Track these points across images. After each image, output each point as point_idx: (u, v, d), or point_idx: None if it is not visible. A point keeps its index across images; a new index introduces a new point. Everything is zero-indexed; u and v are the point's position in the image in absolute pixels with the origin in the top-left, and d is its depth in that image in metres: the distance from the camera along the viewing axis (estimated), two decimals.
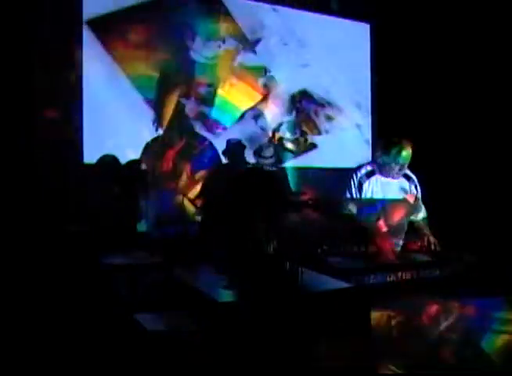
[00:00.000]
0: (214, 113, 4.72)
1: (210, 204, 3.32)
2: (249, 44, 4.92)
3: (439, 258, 2.66)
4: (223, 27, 4.79)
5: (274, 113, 5.13)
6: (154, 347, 1.74)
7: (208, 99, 4.72)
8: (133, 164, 3.60)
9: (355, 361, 1.71)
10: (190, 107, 4.65)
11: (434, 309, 2.11)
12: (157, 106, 4.50)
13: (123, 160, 3.55)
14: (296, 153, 5.20)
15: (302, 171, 5.08)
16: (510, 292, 2.17)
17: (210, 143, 4.58)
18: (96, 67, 4.30)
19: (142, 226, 3.38)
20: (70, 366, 1.90)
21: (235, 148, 4.28)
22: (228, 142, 4.31)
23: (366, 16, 5.52)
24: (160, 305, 2.03)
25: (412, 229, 3.06)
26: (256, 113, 4.99)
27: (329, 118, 5.39)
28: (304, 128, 5.30)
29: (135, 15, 4.43)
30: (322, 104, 5.34)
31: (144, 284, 2.27)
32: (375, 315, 1.98)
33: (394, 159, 2.99)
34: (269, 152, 4.54)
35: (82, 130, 4.24)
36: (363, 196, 3.07)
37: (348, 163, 4.77)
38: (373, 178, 3.08)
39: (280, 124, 5.13)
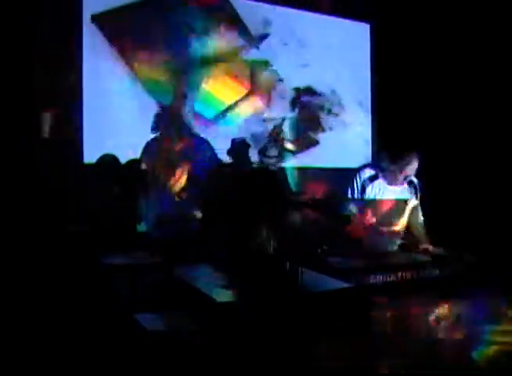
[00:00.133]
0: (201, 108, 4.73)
1: (212, 204, 3.31)
2: (253, 40, 4.93)
3: (439, 258, 2.66)
4: (225, 23, 4.80)
5: (276, 108, 5.13)
6: (154, 347, 1.74)
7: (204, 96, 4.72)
8: (133, 163, 3.60)
9: (355, 361, 1.71)
10: (189, 107, 4.65)
11: (433, 308, 2.11)
12: (157, 105, 4.50)
13: (123, 160, 3.55)
14: (295, 152, 5.20)
15: (302, 171, 5.07)
16: (510, 292, 2.17)
17: (208, 143, 4.57)
18: (96, 67, 4.30)
19: (142, 226, 3.38)
20: (70, 366, 1.90)
21: (239, 147, 4.27)
22: (233, 141, 4.31)
23: (366, 16, 5.52)
24: (160, 305, 2.03)
25: (410, 230, 3.08)
26: (256, 109, 4.99)
27: (329, 117, 5.40)
28: (307, 125, 5.30)
29: (135, 13, 4.42)
30: (322, 104, 5.35)
31: (144, 284, 2.27)
32: (375, 315, 1.98)
33: (401, 170, 2.99)
34: (274, 152, 4.53)
35: (82, 130, 4.24)
36: (365, 198, 3.07)
37: (348, 163, 4.77)
38: (376, 183, 3.08)
39: (283, 120, 5.13)
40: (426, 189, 3.28)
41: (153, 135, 4.29)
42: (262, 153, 4.54)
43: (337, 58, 5.31)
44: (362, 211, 2.91)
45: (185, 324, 1.87)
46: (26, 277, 2.62)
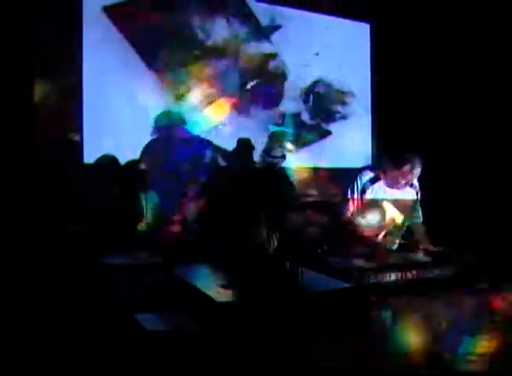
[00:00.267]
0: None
1: (212, 204, 3.32)
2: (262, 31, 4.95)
3: (439, 258, 2.66)
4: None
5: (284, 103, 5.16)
6: (154, 347, 1.74)
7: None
8: (132, 164, 3.60)
9: (355, 361, 1.71)
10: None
11: (433, 308, 2.11)
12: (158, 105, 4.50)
13: (123, 161, 3.55)
14: (309, 143, 5.21)
15: (302, 171, 5.07)
16: (510, 292, 2.17)
17: (209, 143, 4.57)
18: (96, 67, 4.30)
19: (142, 226, 3.38)
20: (70, 366, 1.90)
21: (244, 147, 4.27)
22: (239, 141, 4.31)
23: (366, 16, 5.52)
24: (160, 305, 2.03)
25: (409, 231, 3.08)
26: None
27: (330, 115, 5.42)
28: (319, 116, 5.33)
29: (139, 9, 4.44)
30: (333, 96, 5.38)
31: (144, 284, 2.27)
32: (375, 315, 1.98)
33: (404, 175, 2.97)
34: (279, 152, 4.52)
35: (82, 130, 4.24)
36: (365, 200, 3.07)
37: (348, 163, 4.78)
38: (377, 185, 3.07)
39: (283, 116, 5.13)
40: (426, 189, 3.28)
41: (153, 136, 4.29)
42: (267, 152, 4.53)
43: (337, 58, 5.31)
44: (362, 212, 2.92)
45: (185, 324, 1.87)
46: (26, 277, 2.62)
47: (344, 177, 3.37)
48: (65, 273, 2.47)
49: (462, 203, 4.40)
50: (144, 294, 2.18)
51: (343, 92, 5.43)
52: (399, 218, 2.98)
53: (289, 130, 5.21)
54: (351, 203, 3.04)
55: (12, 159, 3.74)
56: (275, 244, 2.62)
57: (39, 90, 4.05)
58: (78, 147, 4.20)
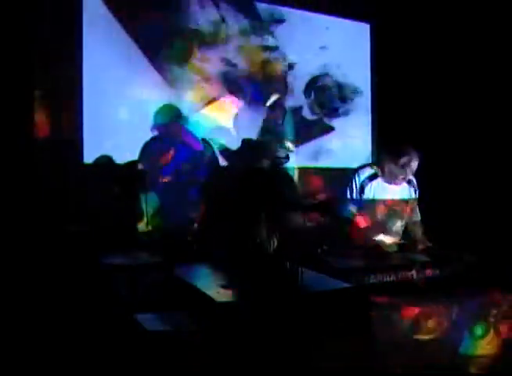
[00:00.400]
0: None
1: (212, 204, 3.31)
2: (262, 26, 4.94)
3: (439, 258, 2.66)
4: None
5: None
6: (154, 347, 1.74)
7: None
8: (131, 164, 3.61)
9: (355, 361, 1.71)
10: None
11: (433, 308, 2.11)
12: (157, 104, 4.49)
13: (123, 161, 3.55)
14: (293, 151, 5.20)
15: (302, 171, 5.07)
16: (510, 292, 2.17)
17: (208, 143, 4.57)
18: (96, 67, 4.30)
19: (142, 226, 3.38)
20: (70, 366, 1.90)
21: (248, 148, 4.27)
22: (243, 141, 4.32)
23: (366, 16, 5.52)
24: (160, 305, 2.03)
25: (408, 230, 3.09)
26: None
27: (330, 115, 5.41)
28: (321, 111, 5.31)
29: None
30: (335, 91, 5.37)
31: (144, 284, 2.27)
32: (375, 315, 1.98)
33: (401, 169, 2.99)
34: (284, 153, 4.52)
35: (82, 130, 4.23)
36: (364, 198, 3.07)
37: (348, 163, 4.77)
38: (375, 182, 3.08)
39: (284, 115, 5.12)
40: (426, 188, 3.28)
41: (152, 135, 4.29)
42: (270, 153, 4.52)
43: (337, 58, 5.31)
44: (361, 211, 2.92)
45: (185, 324, 1.87)
46: (26, 277, 2.62)
47: (344, 176, 3.36)
48: (65, 273, 2.47)
49: (462, 203, 4.40)
50: (144, 294, 2.18)
51: (344, 87, 5.43)
52: (399, 217, 2.99)
53: (291, 128, 5.20)
54: (350, 202, 3.05)
55: (12, 159, 3.74)
56: (275, 244, 2.62)
57: (39, 90, 4.05)
58: (78, 147, 4.19)
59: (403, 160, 2.97)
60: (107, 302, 2.20)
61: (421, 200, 3.22)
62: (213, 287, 2.01)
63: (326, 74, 5.30)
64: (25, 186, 3.73)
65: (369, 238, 2.90)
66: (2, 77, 3.77)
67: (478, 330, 1.97)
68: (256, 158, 4.29)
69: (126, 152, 3.86)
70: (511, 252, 2.70)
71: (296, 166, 5.05)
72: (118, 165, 3.50)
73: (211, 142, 4.53)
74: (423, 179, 3.24)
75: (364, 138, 5.58)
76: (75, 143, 4.19)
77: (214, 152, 4.44)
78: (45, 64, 4.05)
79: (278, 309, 1.84)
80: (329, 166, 5.18)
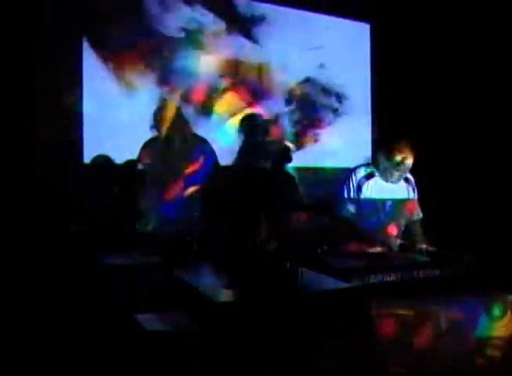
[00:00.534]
0: None
1: (213, 204, 3.32)
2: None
3: (439, 258, 2.66)
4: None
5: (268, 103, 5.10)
6: (154, 347, 1.74)
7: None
8: (130, 164, 3.61)
9: (355, 361, 1.71)
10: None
11: (433, 308, 2.11)
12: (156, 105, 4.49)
13: (123, 160, 3.56)
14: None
15: (301, 171, 5.07)
16: (510, 292, 2.16)
17: (208, 143, 4.56)
18: (97, 67, 4.30)
19: (142, 226, 3.38)
20: (70, 366, 1.90)
21: (250, 149, 4.28)
22: (245, 142, 4.33)
23: (366, 16, 5.52)
24: (160, 305, 2.03)
25: (407, 229, 3.09)
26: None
27: (329, 114, 5.39)
28: (305, 122, 5.25)
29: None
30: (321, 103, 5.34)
31: (144, 284, 2.27)
32: (375, 315, 1.98)
33: (396, 166, 2.99)
34: (285, 153, 4.52)
35: (82, 130, 4.23)
36: (361, 197, 3.07)
37: (348, 163, 4.77)
38: (372, 181, 3.08)
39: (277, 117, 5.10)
40: (426, 188, 3.28)
41: (152, 134, 4.29)
42: (271, 153, 4.52)
43: (336, 58, 5.31)
44: (359, 211, 2.92)
45: (185, 324, 1.87)
46: (26, 277, 2.62)
47: (343, 176, 3.36)
48: (65, 273, 2.47)
49: (462, 202, 4.40)
50: (144, 294, 2.18)
51: (335, 93, 5.39)
52: (398, 217, 2.99)
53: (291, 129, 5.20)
54: (348, 202, 3.05)
55: (12, 159, 3.74)
56: (275, 244, 2.62)
57: (39, 90, 4.05)
58: (78, 147, 4.19)
59: (397, 157, 2.97)
60: (107, 302, 2.20)
61: (421, 200, 3.22)
62: (213, 287, 2.01)
63: (312, 79, 5.27)
64: (25, 186, 3.73)
65: (368, 238, 2.90)
66: (3, 77, 3.77)
67: (496, 311, 1.96)
68: (257, 158, 4.29)
69: (126, 152, 3.86)
70: (511, 252, 2.70)
71: (296, 166, 5.05)
72: (113, 165, 3.50)
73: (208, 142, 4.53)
74: (423, 179, 3.24)
75: (364, 138, 5.58)
76: (75, 143, 4.20)
77: (213, 152, 4.43)
78: (45, 65, 4.05)
79: (278, 309, 1.84)
80: (330, 166, 5.18)
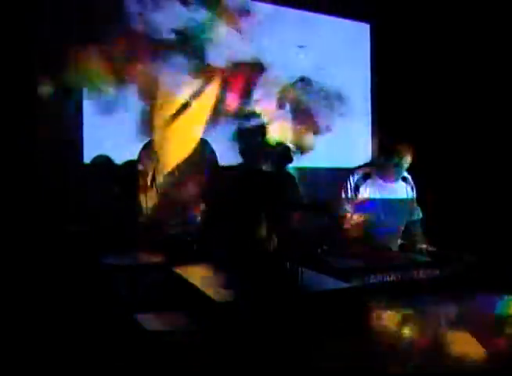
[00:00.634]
0: None
1: (213, 204, 3.32)
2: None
3: (439, 258, 2.66)
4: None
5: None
6: (154, 347, 1.74)
7: None
8: (131, 163, 3.61)
9: (355, 361, 1.71)
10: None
11: (433, 308, 2.11)
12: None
13: (123, 161, 3.55)
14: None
15: (301, 171, 5.07)
16: (510, 292, 2.17)
17: (208, 143, 4.56)
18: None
19: (142, 226, 3.38)
20: (70, 366, 1.90)
21: (251, 149, 4.28)
22: (246, 142, 4.33)
23: (366, 16, 5.52)
24: (160, 305, 2.03)
25: (407, 229, 3.09)
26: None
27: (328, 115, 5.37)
28: (299, 125, 5.23)
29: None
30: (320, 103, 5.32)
31: (144, 284, 2.27)
32: (375, 315, 1.98)
33: (394, 164, 2.99)
34: (286, 153, 4.51)
35: (82, 130, 4.23)
36: (359, 198, 3.07)
37: (348, 163, 4.77)
38: (370, 181, 3.08)
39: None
40: (426, 188, 3.28)
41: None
42: (272, 154, 4.52)
43: (336, 58, 5.31)
44: (358, 211, 2.92)
45: (185, 324, 1.87)
46: (26, 277, 2.62)
47: (343, 177, 3.36)
48: (65, 273, 2.47)
49: (462, 202, 4.40)
50: (144, 294, 2.18)
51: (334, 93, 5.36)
52: (398, 216, 2.99)
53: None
54: (347, 201, 3.05)
55: (13, 159, 3.74)
56: (275, 244, 2.62)
57: (39, 90, 4.05)
58: (78, 147, 4.19)
59: (394, 156, 2.98)
60: (107, 302, 2.20)
61: (421, 200, 3.22)
62: (213, 287, 2.01)
63: (307, 78, 5.26)
64: (25, 186, 3.73)
65: (368, 238, 2.90)
66: (3, 77, 3.77)
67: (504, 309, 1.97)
68: (257, 159, 4.29)
69: (126, 152, 3.86)
70: (511, 252, 2.70)
71: (297, 166, 5.05)
72: (113, 165, 3.50)
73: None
74: (423, 179, 3.24)
75: (363, 138, 5.58)
76: (75, 143, 4.20)
77: (213, 151, 4.43)
78: (45, 65, 4.05)
79: (278, 309, 1.84)
80: (329, 166, 5.18)
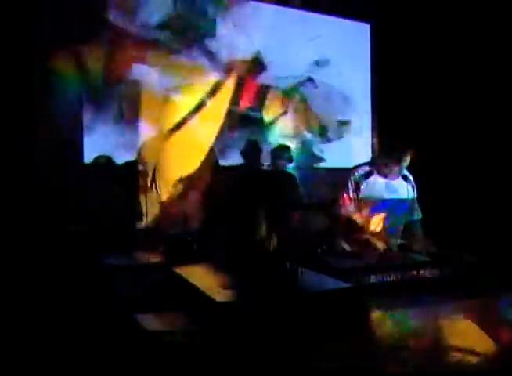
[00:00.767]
0: None
1: (213, 204, 3.32)
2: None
3: (439, 258, 2.66)
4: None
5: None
6: (154, 347, 1.74)
7: None
8: (130, 164, 3.61)
9: (355, 361, 1.71)
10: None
11: (433, 308, 2.11)
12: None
13: (123, 161, 3.56)
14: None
15: (301, 171, 5.07)
16: (510, 292, 2.17)
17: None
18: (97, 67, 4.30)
19: (142, 226, 3.38)
20: (70, 366, 1.90)
21: (252, 149, 4.30)
22: (247, 143, 4.35)
23: (366, 16, 5.53)
24: (160, 305, 2.03)
25: (406, 228, 3.09)
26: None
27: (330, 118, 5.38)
28: (302, 127, 5.25)
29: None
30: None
31: (144, 284, 2.27)
32: (375, 315, 1.98)
33: (394, 161, 2.99)
34: (288, 153, 4.53)
35: (82, 130, 4.24)
36: (360, 197, 3.07)
37: (348, 163, 4.77)
38: (371, 179, 3.07)
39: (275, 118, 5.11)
40: (426, 188, 3.28)
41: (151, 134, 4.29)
42: (275, 155, 4.53)
43: (337, 58, 5.31)
44: (358, 210, 2.92)
45: (185, 324, 1.87)
46: (26, 277, 2.62)
47: (343, 177, 3.37)
48: (65, 273, 2.47)
49: (462, 202, 4.40)
50: (144, 294, 2.17)
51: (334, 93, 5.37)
52: (397, 216, 2.98)
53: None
54: (347, 200, 3.05)
55: (13, 159, 3.74)
56: (275, 243, 2.62)
57: (39, 90, 4.06)
58: (78, 147, 4.20)
59: (396, 152, 2.97)
60: (107, 302, 2.20)
61: (421, 200, 3.22)
62: (213, 287, 2.01)
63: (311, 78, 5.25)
64: (25, 186, 3.73)
65: (367, 237, 2.90)
66: (3, 77, 3.77)
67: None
68: (258, 159, 4.30)
69: (126, 152, 3.87)
70: (511, 252, 2.70)
71: (297, 166, 5.05)
72: (114, 165, 3.50)
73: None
74: (423, 179, 3.24)
75: (363, 138, 5.58)
76: (75, 143, 4.20)
77: (214, 151, 4.43)
78: (45, 65, 4.05)
79: (278, 308, 1.84)
80: (329, 166, 5.19)
